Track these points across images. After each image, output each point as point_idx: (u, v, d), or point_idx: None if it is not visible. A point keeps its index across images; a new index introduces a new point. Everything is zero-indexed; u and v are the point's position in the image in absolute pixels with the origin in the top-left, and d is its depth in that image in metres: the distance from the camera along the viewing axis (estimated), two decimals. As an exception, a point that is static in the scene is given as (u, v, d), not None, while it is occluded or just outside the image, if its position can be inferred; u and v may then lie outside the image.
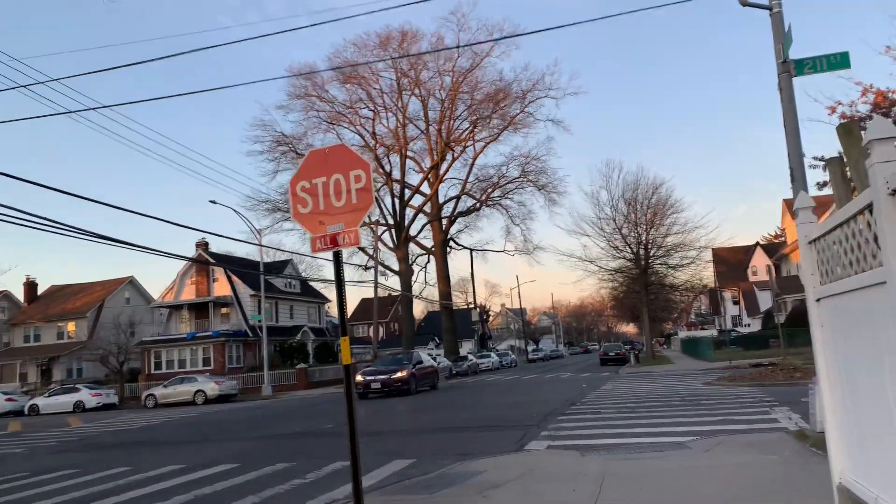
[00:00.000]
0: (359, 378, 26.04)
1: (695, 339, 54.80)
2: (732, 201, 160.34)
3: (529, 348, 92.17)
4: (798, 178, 8.73)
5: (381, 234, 53.99)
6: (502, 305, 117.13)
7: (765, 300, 70.85)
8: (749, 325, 71.37)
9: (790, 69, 8.76)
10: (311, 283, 61.22)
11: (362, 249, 53.29)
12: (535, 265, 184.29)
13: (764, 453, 7.58)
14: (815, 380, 8.53)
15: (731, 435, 9.16)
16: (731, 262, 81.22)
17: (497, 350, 78.47)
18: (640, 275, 46.14)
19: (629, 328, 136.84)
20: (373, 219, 53.22)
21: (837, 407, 5.07)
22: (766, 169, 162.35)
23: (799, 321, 42.61)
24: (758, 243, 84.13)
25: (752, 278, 78.77)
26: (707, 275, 65.41)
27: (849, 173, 5.39)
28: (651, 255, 46.34)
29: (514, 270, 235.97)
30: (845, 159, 16.27)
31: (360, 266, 53.36)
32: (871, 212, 3.77)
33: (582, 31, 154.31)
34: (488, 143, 56.90)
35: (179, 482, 9.40)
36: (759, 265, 79.36)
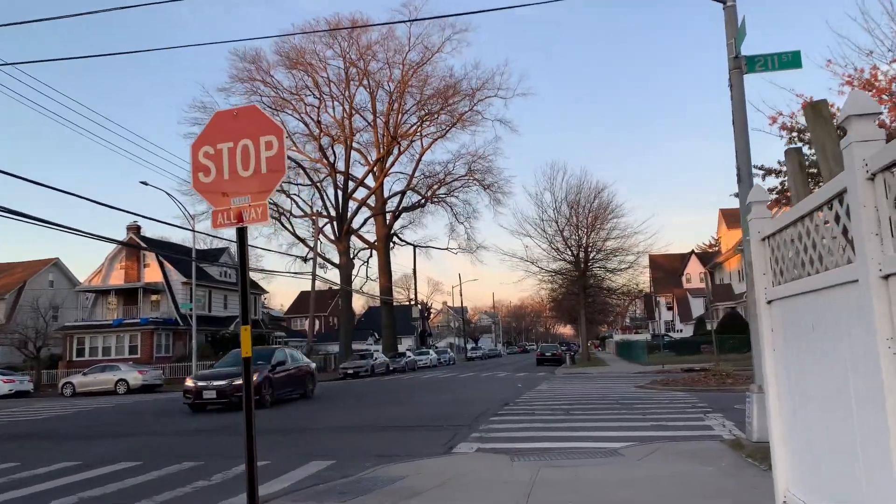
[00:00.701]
0: (189, 383, 19.13)
1: (629, 342, 55.64)
2: (671, 210, 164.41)
3: (469, 346, 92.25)
4: (745, 179, 8.43)
5: (323, 227, 52.80)
6: (444, 303, 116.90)
7: (697, 307, 72.79)
8: (681, 330, 73.09)
9: (741, 65, 8.47)
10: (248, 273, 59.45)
11: (302, 241, 52.03)
12: (478, 264, 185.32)
13: (700, 464, 7.22)
14: (752, 388, 8.24)
15: (666, 442, 8.82)
16: (667, 269, 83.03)
17: (436, 347, 78.15)
18: (579, 277, 46.49)
19: (566, 330, 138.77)
20: (314, 209, 52.00)
21: (786, 418, 4.67)
22: (705, 179, 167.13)
23: (729, 328, 43.65)
24: (693, 251, 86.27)
25: (686, 285, 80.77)
26: (643, 280, 66.70)
27: (809, 163, 4.96)
28: (591, 258, 46.76)
29: (457, 269, 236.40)
30: (811, 145, 16.23)
31: (300, 257, 52.12)
32: (840, 202, 3.34)
33: (532, 32, 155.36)
34: (436, 140, 56.41)
35: (68, 482, 8.45)
36: (693, 273, 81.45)
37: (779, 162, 20.54)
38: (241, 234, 5.13)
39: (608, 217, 46.80)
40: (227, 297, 53.88)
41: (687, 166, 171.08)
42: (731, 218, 51.71)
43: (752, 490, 5.83)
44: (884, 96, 20.10)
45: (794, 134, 20.64)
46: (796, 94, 28.87)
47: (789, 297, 4.37)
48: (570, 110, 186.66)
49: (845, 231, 3.30)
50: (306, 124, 52.38)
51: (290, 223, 53.03)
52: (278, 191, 52.18)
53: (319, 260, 50.29)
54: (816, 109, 3.70)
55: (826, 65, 20.84)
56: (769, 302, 4.96)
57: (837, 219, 3.38)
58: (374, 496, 6.65)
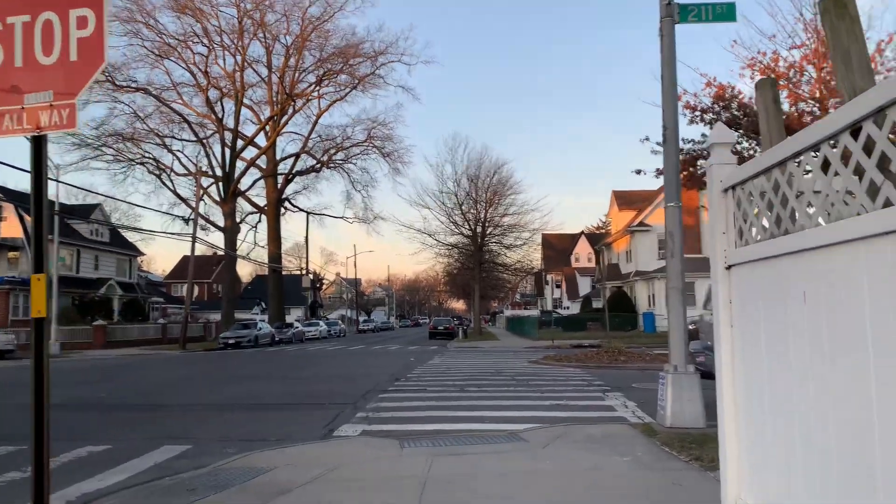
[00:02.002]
0: None
1: (520, 317, 56.30)
2: (565, 191, 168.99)
3: (361, 319, 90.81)
4: (671, 139, 7.68)
5: (209, 187, 49.37)
6: (337, 274, 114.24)
7: (584, 285, 74.85)
8: (568, 307, 75.03)
9: (674, 14, 7.67)
10: (124, 233, 54.99)
11: (184, 200, 48.47)
12: (375, 235, 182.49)
13: (613, 453, 6.43)
14: (667, 368, 7.55)
15: (571, 425, 8.05)
16: (558, 248, 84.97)
17: (327, 319, 76.21)
18: (475, 252, 46.21)
19: (459, 304, 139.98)
20: (199, 168, 48.51)
21: (741, 412, 3.81)
22: (599, 162, 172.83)
23: (615, 306, 44.82)
24: (583, 232, 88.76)
25: (574, 264, 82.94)
26: (536, 257, 67.79)
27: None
28: (488, 233, 46.58)
29: (352, 239, 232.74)
30: (713, 125, 15.75)
31: (182, 218, 48.50)
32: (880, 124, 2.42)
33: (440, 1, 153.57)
34: (335, 102, 53.97)
35: None
36: (582, 253, 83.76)
37: (682, 139, 20.61)
38: (39, 146, 3.64)
39: (507, 193, 46.76)
40: (99, 258, 49.56)
41: (582, 150, 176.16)
42: (622, 200, 53.04)
43: (677, 489, 5.04)
44: (782, 80, 20.47)
45: (698, 113, 20.74)
46: (700, 73, 29.38)
47: (763, 259, 3.46)
48: (475, 84, 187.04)
49: (882, 159, 2.37)
50: (193, 74, 48.52)
51: (171, 181, 49.29)
52: (158, 144, 48.29)
53: (203, 222, 47.12)
54: (840, 3, 2.73)
55: (732, 45, 21.02)
56: (729, 267, 4.07)
57: (869, 149, 2.43)
58: (231, 494, 5.37)
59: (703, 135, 20.46)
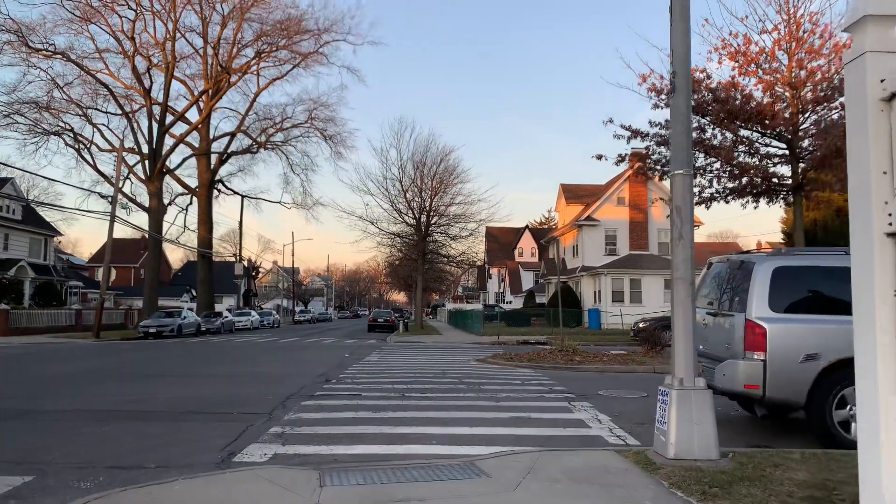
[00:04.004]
0: None
1: (463, 311, 54.74)
2: (511, 184, 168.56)
3: (297, 309, 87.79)
4: (681, 88, 5.97)
5: (135, 165, 45.85)
6: (274, 262, 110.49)
7: (527, 280, 74.07)
8: (511, 302, 74.14)
9: (692, -74, 5.96)
10: (41, 211, 50.72)
11: (106, 178, 44.78)
12: (314, 222, 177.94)
13: (611, 500, 4.67)
14: (670, 382, 5.84)
15: (543, 452, 6.27)
16: (502, 242, 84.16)
17: (261, 308, 73.03)
18: (419, 242, 44.34)
19: (400, 297, 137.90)
20: (123, 143, 44.95)
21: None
22: (547, 157, 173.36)
23: (561, 302, 43.79)
24: (527, 226, 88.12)
25: (518, 259, 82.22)
26: (480, 250, 66.41)
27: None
28: (433, 222, 44.76)
29: (291, 226, 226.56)
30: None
31: (105, 197, 44.83)
32: None
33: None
34: (275, 80, 51.06)
35: None
36: (526, 247, 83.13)
37: (650, 122, 19.22)
38: None
39: (453, 182, 44.96)
40: (9, 237, 45.36)
41: (530, 143, 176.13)
42: (570, 194, 52.05)
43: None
44: (752, 66, 19.32)
45: (664, 97, 19.37)
46: (667, 54, 28.20)
47: None
48: (425, 71, 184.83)
49: None
50: (118, 40, 44.76)
51: (92, 156, 45.53)
52: (78, 115, 44.49)
53: (125, 202, 43.68)
54: None
55: (703, 24, 19.73)
56: (893, 234, 2.31)
57: None
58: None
59: (667, 121, 19.07)
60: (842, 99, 17.41)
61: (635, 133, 18.94)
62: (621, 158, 19.92)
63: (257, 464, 6.25)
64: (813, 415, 6.88)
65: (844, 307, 7.52)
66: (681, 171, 6.01)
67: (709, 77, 18.10)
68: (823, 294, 7.26)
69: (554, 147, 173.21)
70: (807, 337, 6.93)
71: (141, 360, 19.23)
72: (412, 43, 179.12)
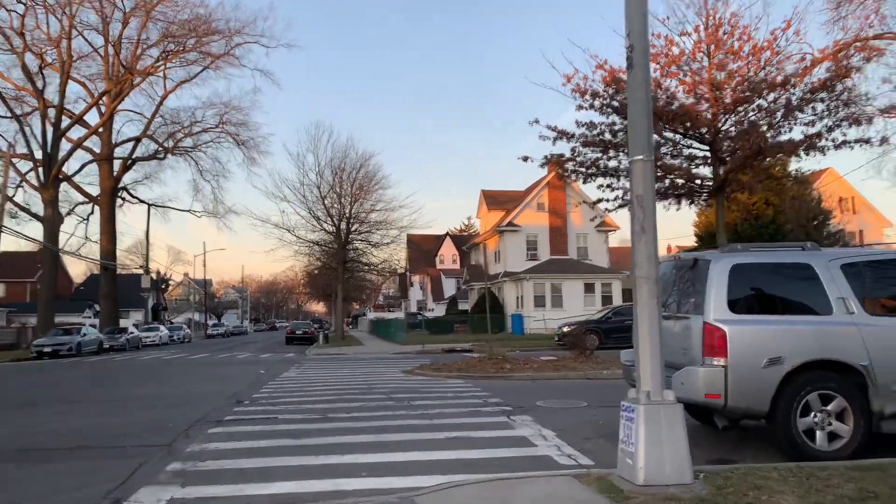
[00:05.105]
0: None
1: (385, 320, 53.61)
2: (433, 192, 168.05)
3: (210, 323, 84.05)
4: (639, 63, 5.31)
5: (27, 173, 42.31)
6: (185, 275, 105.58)
7: (450, 287, 73.65)
8: (433, 309, 73.50)
9: None
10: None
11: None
12: (227, 231, 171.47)
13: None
14: (634, 396, 5.13)
15: (493, 483, 5.42)
16: (423, 249, 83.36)
17: (171, 323, 69.28)
18: (338, 250, 42.99)
19: (319, 307, 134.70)
20: (14, 148, 41.40)
21: None
22: (467, 166, 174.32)
23: (483, 308, 43.37)
24: (448, 233, 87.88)
25: (440, 266, 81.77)
26: (402, 257, 65.47)
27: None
28: (353, 230, 43.55)
29: (202, 236, 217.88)
30: (602, 110, 13.40)
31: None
32: None
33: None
34: (183, 83, 48.48)
35: None
36: (447, 254, 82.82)
37: (577, 122, 18.86)
38: None
39: (374, 188, 43.94)
40: None
41: (453, 151, 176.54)
42: (491, 200, 51.91)
43: None
44: (673, 67, 19.32)
45: (588, 98, 19.07)
46: (591, 55, 28.20)
47: None
48: (343, 73, 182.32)
49: None
50: (7, 37, 41.25)
51: (-23, 161, 41.61)
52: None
53: (16, 210, 40.26)
54: None
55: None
56: None
57: None
58: None
59: (591, 123, 18.79)
60: (760, 101, 17.62)
61: (561, 134, 18.54)
62: (547, 160, 19.48)
63: (148, 515, 5.11)
64: (777, 423, 6.35)
65: (807, 306, 7.16)
66: (641, 157, 5.34)
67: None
68: (785, 292, 6.80)
69: (478, 152, 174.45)
70: (769, 339, 6.42)
71: (28, 385, 17.20)
72: (330, 46, 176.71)
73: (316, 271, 57.32)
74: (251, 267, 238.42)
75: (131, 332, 42.43)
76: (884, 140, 17.52)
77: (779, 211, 33.76)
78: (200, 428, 8.92)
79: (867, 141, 17.05)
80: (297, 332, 44.85)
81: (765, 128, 17.57)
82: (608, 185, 19.49)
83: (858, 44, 19.67)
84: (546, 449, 7.17)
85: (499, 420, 9.02)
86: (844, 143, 16.91)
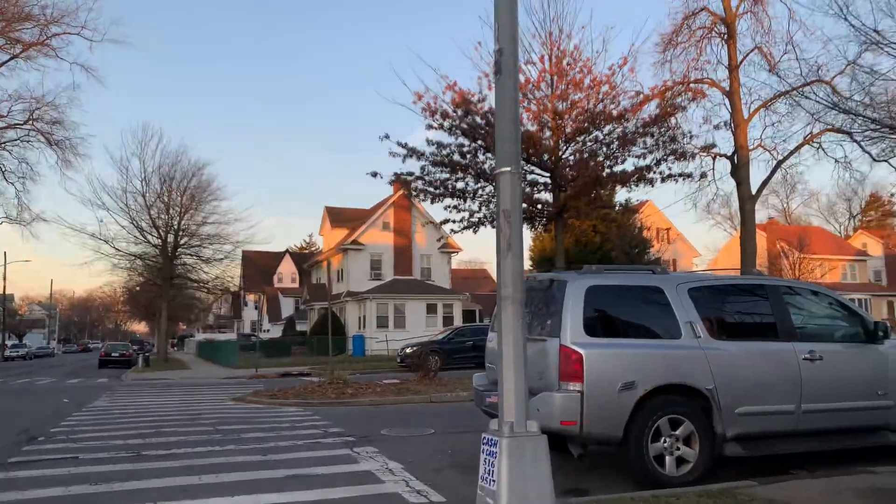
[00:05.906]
0: None
1: (215, 342, 50.31)
2: (273, 208, 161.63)
3: (10, 343, 74.25)
4: (508, 68, 4.96)
5: None
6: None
7: (288, 307, 71.04)
8: (269, 330, 70.44)
9: None
10: None
11: None
12: (33, 240, 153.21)
13: None
14: (497, 428, 4.70)
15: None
16: (260, 266, 79.80)
17: (-42, 344, 60.23)
18: (165, 264, 39.69)
19: (140, 327, 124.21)
20: None
21: None
22: (311, 182, 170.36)
23: (323, 329, 42.00)
24: (287, 251, 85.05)
25: (277, 284, 78.83)
26: (236, 274, 62.11)
27: None
28: (182, 243, 40.45)
29: (2, 245, 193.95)
30: (451, 131, 13.17)
31: None
32: None
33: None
34: (-16, 71, 42.57)
35: None
36: (286, 272, 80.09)
37: (427, 140, 18.59)
38: None
39: (207, 199, 41.19)
40: None
41: (296, 164, 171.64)
42: (335, 217, 50.71)
43: None
44: (518, 95, 19.82)
45: (438, 118, 18.97)
46: (441, 75, 28.26)
47: None
48: (178, 76, 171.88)
49: None
50: None
51: None
52: None
53: None
54: None
55: (476, 47, 19.76)
56: None
57: None
58: None
59: (440, 143, 18.70)
60: (597, 132, 18.46)
61: (411, 152, 18.25)
62: (396, 177, 19.10)
63: None
64: (629, 450, 6.22)
65: (658, 329, 7.19)
66: (508, 169, 4.95)
67: (482, 101, 18.06)
68: (638, 316, 6.75)
69: (325, 168, 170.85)
70: (624, 363, 6.30)
71: None
72: (166, 48, 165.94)
73: (138, 287, 52.62)
74: (62, 281, 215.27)
75: None
76: (703, 175, 19.10)
77: (605, 238, 36.06)
78: (-29, 476, 7.28)
79: (689, 175, 18.50)
80: (113, 355, 40.72)
81: (602, 158, 18.45)
82: (454, 207, 19.44)
83: (681, 86, 21.44)
84: (394, 485, 6.54)
85: (341, 453, 8.25)
86: (670, 175, 18.19)
